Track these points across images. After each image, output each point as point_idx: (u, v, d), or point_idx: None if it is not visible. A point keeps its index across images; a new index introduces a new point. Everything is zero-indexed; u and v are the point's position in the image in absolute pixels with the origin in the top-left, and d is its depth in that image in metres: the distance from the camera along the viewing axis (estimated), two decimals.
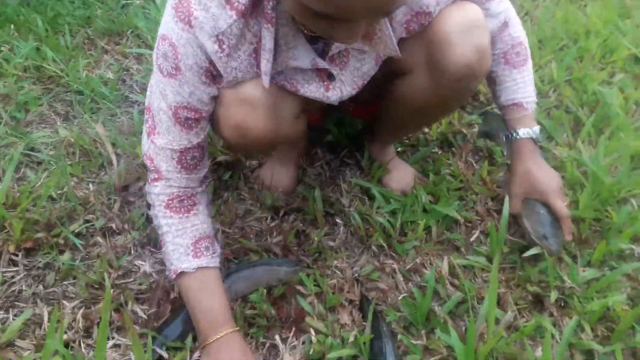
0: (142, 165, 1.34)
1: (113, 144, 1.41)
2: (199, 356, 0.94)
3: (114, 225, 1.21)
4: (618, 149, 1.31)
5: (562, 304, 1.04)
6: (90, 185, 1.30)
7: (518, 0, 2.06)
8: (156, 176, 0.92)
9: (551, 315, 1.02)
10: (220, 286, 0.94)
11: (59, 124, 1.53)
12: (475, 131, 1.45)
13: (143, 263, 1.12)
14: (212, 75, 0.83)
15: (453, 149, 1.40)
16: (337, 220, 1.21)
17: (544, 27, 1.82)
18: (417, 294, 1.04)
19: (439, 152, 1.40)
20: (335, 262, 1.12)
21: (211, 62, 0.81)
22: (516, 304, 1.04)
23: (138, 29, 1.89)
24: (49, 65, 1.69)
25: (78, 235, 1.19)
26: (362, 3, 0.57)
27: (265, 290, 1.05)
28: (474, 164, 1.37)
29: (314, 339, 0.97)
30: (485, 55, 0.90)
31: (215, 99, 0.88)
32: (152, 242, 1.18)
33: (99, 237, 1.18)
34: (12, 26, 1.87)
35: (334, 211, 1.23)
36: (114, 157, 1.37)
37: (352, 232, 1.20)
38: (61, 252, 1.15)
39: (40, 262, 1.13)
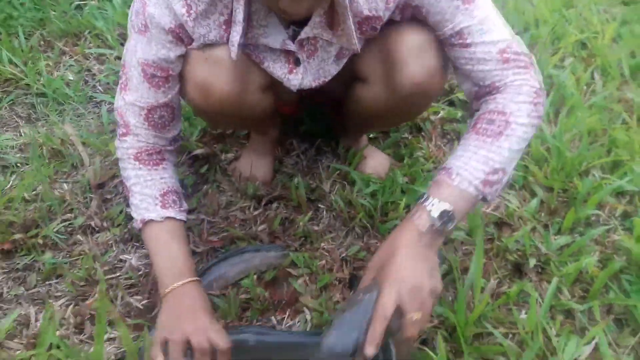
0: (116, 162, 1.32)
1: (83, 143, 1.38)
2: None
3: (92, 223, 1.19)
4: (576, 126, 1.40)
5: (540, 270, 1.11)
6: (65, 185, 1.27)
7: None
8: (125, 131, 0.94)
9: (531, 280, 1.08)
10: (185, 238, 0.96)
11: (22, 125, 1.49)
12: (440, 117, 1.50)
13: (129, 257, 1.11)
14: (180, 36, 0.85)
15: (422, 133, 1.46)
16: (320, 206, 1.24)
17: None
18: None
19: (410, 137, 1.45)
20: (323, 244, 1.14)
21: (180, 25, 0.83)
22: (497, 273, 1.10)
23: (96, 29, 1.85)
24: (4, 67, 1.63)
25: (57, 234, 1.16)
26: None
27: (255, 276, 1.06)
28: (443, 147, 1.42)
29: (309, 316, 0.99)
30: (436, 76, 0.91)
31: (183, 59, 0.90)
32: (134, 237, 1.17)
33: (79, 235, 1.16)
34: None
35: (315, 197, 1.25)
36: (85, 156, 1.34)
37: (334, 216, 1.22)
38: (41, 252, 1.11)
39: (19, 263, 1.10)
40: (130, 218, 1.16)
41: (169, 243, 0.93)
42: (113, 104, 1.39)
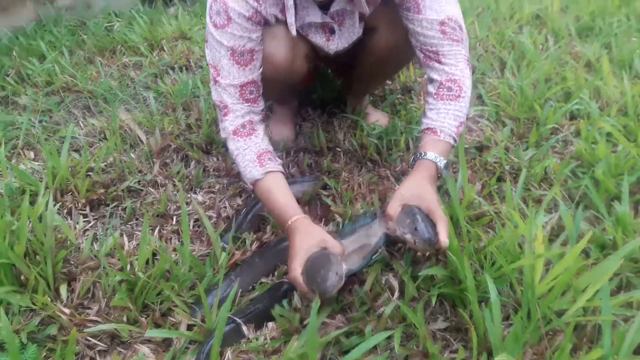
0: (168, 134, 1.63)
1: (138, 124, 1.69)
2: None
3: (158, 180, 1.49)
4: (534, 72, 1.73)
5: (514, 175, 1.42)
6: (132, 154, 1.57)
7: None
8: (225, 111, 1.18)
9: (507, 182, 1.39)
10: (284, 184, 1.15)
11: (81, 122, 1.79)
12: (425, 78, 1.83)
13: (195, 195, 1.41)
14: (257, 21, 1.15)
15: (412, 92, 1.78)
16: (337, 149, 1.55)
17: (462, 1, 2.27)
18: None
19: (403, 97, 1.77)
20: (344, 173, 1.44)
21: (255, 11, 1.13)
22: (480, 180, 1.40)
23: (127, 42, 2.18)
24: (59, 76, 1.95)
25: (130, 190, 1.46)
26: None
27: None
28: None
29: (339, 220, 1.29)
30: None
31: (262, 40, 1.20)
32: (193, 187, 1.46)
33: (150, 188, 1.46)
34: (14, 53, 2.11)
35: (333, 145, 1.57)
36: (141, 133, 1.65)
37: (350, 157, 1.53)
38: (120, 202, 1.41)
39: (105, 211, 1.39)
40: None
41: (272, 193, 1.13)
42: (155, 97, 1.71)
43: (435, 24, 1.16)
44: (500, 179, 1.41)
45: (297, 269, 1.01)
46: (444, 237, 1.01)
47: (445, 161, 1.14)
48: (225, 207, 1.39)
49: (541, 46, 1.94)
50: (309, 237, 1.05)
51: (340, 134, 1.60)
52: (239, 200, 1.41)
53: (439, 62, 1.18)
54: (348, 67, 1.55)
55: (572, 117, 1.58)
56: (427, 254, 1.11)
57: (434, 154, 1.13)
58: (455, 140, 1.16)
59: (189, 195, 1.42)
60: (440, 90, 1.17)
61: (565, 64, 1.81)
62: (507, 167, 1.40)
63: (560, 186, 1.34)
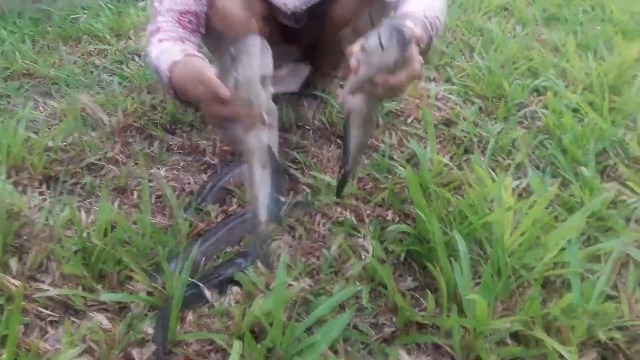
0: (131, 114, 1.58)
1: (101, 105, 1.63)
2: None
3: (119, 158, 1.44)
4: (502, 55, 1.74)
5: (483, 148, 1.41)
6: (93, 134, 1.52)
7: None
8: (155, 32, 1.11)
9: (475, 153, 1.38)
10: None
11: (40, 106, 1.73)
12: None
13: (158, 170, 1.36)
14: None
15: None
16: (306, 127, 1.52)
17: None
18: (378, 158, 1.36)
19: None
20: (313, 149, 1.42)
21: None
22: (449, 152, 1.39)
23: (93, 31, 2.13)
24: (19, 62, 1.89)
25: (90, 168, 1.40)
26: None
27: None
28: None
29: (308, 191, 1.26)
30: None
31: None
32: (156, 162, 1.42)
33: (111, 166, 1.40)
34: None
35: (302, 123, 1.54)
36: (103, 115, 1.60)
37: (319, 135, 1.51)
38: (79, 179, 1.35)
39: (64, 187, 1.33)
40: None
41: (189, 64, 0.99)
42: (119, 82, 1.67)
43: None
44: (468, 151, 1.40)
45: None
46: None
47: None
48: (189, 183, 1.34)
49: (509, 34, 1.97)
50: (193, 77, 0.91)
51: (310, 113, 1.57)
52: (204, 177, 1.37)
53: None
54: (315, 49, 1.54)
55: (539, 94, 1.59)
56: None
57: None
58: (431, 27, 0.99)
59: (151, 172, 1.37)
60: None
61: (532, 48, 1.83)
62: (475, 140, 1.40)
63: (528, 156, 1.34)
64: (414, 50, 0.84)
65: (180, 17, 1.13)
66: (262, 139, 0.88)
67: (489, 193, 1.04)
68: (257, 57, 0.80)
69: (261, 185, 0.94)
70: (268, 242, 1.02)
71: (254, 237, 1.01)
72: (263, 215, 0.95)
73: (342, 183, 1.11)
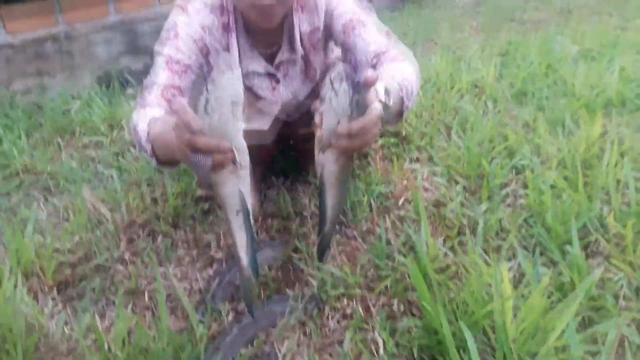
0: (133, 210, 1.63)
1: (102, 201, 1.69)
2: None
3: (126, 257, 1.48)
4: (479, 134, 1.87)
5: (472, 229, 1.50)
6: (98, 232, 1.56)
7: None
8: (142, 104, 1.16)
9: (465, 234, 1.47)
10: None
11: (42, 203, 1.77)
12: (380, 144, 1.94)
13: (165, 269, 1.41)
14: (200, 48, 1.23)
15: (369, 158, 1.88)
16: (304, 213, 1.60)
17: None
18: (376, 243, 1.43)
19: (360, 162, 1.86)
20: (312, 237, 1.49)
21: (201, 40, 1.22)
22: (441, 235, 1.48)
23: (86, 123, 2.21)
24: (16, 159, 1.94)
25: (98, 269, 1.44)
26: None
27: (266, 266, 1.39)
28: (385, 163, 1.85)
29: (315, 283, 1.32)
30: None
31: (200, 66, 1.24)
32: (162, 262, 1.46)
33: (118, 265, 1.45)
34: None
35: (298, 210, 1.62)
36: (106, 211, 1.65)
37: (317, 220, 1.58)
38: (88, 281, 1.39)
39: (73, 293, 1.37)
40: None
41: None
42: (121, 176, 1.74)
43: (382, 33, 1.27)
44: (460, 232, 1.49)
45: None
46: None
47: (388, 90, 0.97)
48: (197, 279, 1.39)
49: (482, 111, 2.11)
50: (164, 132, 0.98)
51: (306, 199, 1.66)
52: (210, 271, 1.42)
53: (387, 53, 1.22)
54: (305, 138, 1.63)
55: (517, 172, 1.71)
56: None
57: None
58: (400, 91, 1.07)
59: (160, 270, 1.41)
60: (382, 60, 1.19)
61: (505, 125, 1.97)
62: (464, 222, 1.49)
63: (515, 235, 1.44)
64: (370, 94, 0.88)
65: (164, 91, 1.19)
66: (233, 182, 0.90)
67: (486, 280, 1.12)
68: (228, 81, 0.80)
69: (237, 230, 0.98)
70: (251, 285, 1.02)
71: (242, 284, 1.04)
72: (244, 260, 1.01)
73: (322, 246, 1.18)
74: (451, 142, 1.87)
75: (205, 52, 1.26)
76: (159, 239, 1.55)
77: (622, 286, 1.21)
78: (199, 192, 1.69)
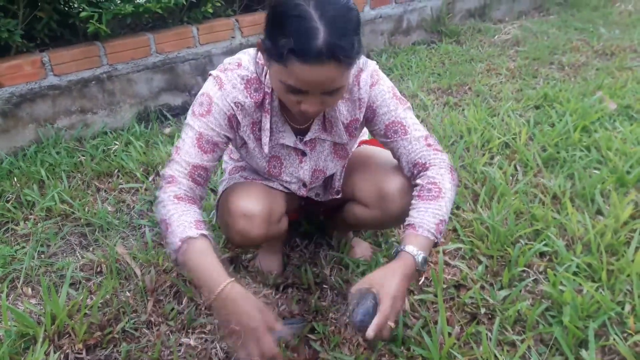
0: (163, 272, 1.71)
1: (134, 258, 1.77)
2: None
3: (152, 319, 1.55)
4: (505, 208, 1.87)
5: (490, 316, 1.51)
6: (127, 293, 1.64)
7: (414, 112, 2.72)
8: (170, 180, 1.23)
9: (484, 324, 1.48)
10: (216, 252, 1.18)
11: (78, 251, 1.87)
12: None
13: (187, 339, 1.47)
14: (231, 124, 1.27)
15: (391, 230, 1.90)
16: (324, 286, 1.64)
17: (437, 130, 2.47)
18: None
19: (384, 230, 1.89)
20: (330, 314, 1.53)
21: (233, 115, 1.26)
22: (459, 322, 1.49)
23: (124, 168, 2.30)
24: (57, 205, 2.04)
25: (125, 331, 1.51)
26: (315, 79, 1.03)
27: (284, 344, 1.43)
28: None
29: None
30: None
31: (229, 140, 1.31)
32: (185, 327, 1.53)
33: (144, 329, 1.52)
34: (14, 178, 2.21)
35: (320, 280, 1.66)
36: (137, 269, 1.73)
37: (337, 293, 1.62)
38: (117, 344, 1.46)
39: (101, 355, 1.44)
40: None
41: (205, 255, 1.15)
42: (152, 227, 1.82)
43: (422, 140, 1.31)
44: (475, 317, 1.51)
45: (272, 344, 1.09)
46: (371, 330, 1.09)
47: (423, 255, 1.19)
48: (216, 350, 1.45)
49: (511, 177, 2.11)
50: (253, 307, 1.13)
51: (327, 269, 1.69)
52: (230, 342, 1.47)
53: (425, 170, 1.30)
54: (333, 210, 1.68)
55: (542, 254, 1.71)
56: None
57: (411, 246, 1.19)
58: (435, 237, 1.22)
59: (181, 340, 1.47)
60: (422, 191, 1.27)
61: (534, 197, 1.96)
62: (482, 310, 1.50)
63: (532, 329, 1.44)
64: (380, 321, 1.10)
65: (192, 171, 1.25)
66: None
67: None
68: None
69: None
70: None
71: None
72: None
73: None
74: (476, 216, 1.87)
75: (236, 126, 1.30)
76: (184, 301, 1.61)
77: None
78: (225, 254, 1.75)
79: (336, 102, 1.14)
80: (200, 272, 1.15)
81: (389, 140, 1.34)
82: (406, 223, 1.26)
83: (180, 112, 2.96)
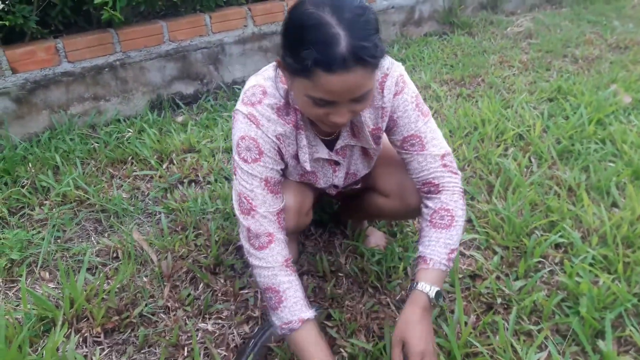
0: (178, 257, 1.72)
1: (150, 244, 1.77)
2: None
3: (169, 304, 1.56)
4: (520, 199, 1.87)
5: (506, 306, 1.52)
6: (144, 278, 1.65)
7: (427, 102, 2.71)
8: (270, 239, 1.21)
9: (500, 313, 1.49)
10: (321, 335, 1.21)
11: (93, 237, 1.88)
12: None
13: (204, 325, 1.48)
14: (281, 155, 1.26)
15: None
16: (339, 274, 1.64)
17: (451, 121, 2.46)
18: None
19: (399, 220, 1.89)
20: (346, 302, 1.53)
21: (278, 148, 1.24)
22: (475, 311, 1.50)
23: (138, 155, 2.31)
24: (72, 190, 2.05)
25: (142, 315, 1.52)
26: (343, 87, 0.99)
27: None
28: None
29: (345, 354, 1.37)
30: None
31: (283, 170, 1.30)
32: (201, 312, 1.54)
33: (161, 314, 1.53)
34: (29, 164, 2.22)
35: (335, 268, 1.66)
36: (153, 255, 1.74)
37: (352, 281, 1.63)
38: (135, 329, 1.47)
39: (119, 339, 1.45)
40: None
41: (319, 344, 1.17)
42: (167, 214, 1.82)
43: (438, 158, 1.27)
44: (491, 307, 1.51)
45: None
46: None
47: (437, 289, 1.17)
48: (233, 335, 1.46)
49: (526, 169, 2.10)
50: None
51: (342, 257, 1.70)
52: (247, 328, 1.48)
53: (438, 192, 1.28)
54: (349, 198, 1.68)
55: (557, 245, 1.71)
56: None
57: (424, 284, 1.17)
58: (447, 266, 1.21)
59: (198, 325, 1.48)
60: (434, 218, 1.25)
61: (549, 189, 1.96)
62: (498, 300, 1.50)
63: (548, 320, 1.44)
64: None
65: (279, 218, 1.24)
66: None
67: None
68: None
69: None
70: None
71: None
72: None
73: None
74: (491, 206, 1.87)
75: (282, 155, 1.28)
76: (200, 287, 1.63)
77: None
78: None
79: (365, 107, 1.11)
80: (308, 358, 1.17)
81: (404, 152, 1.31)
82: (417, 254, 1.25)
83: (192, 100, 2.96)
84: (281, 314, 1.18)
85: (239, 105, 1.22)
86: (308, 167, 1.28)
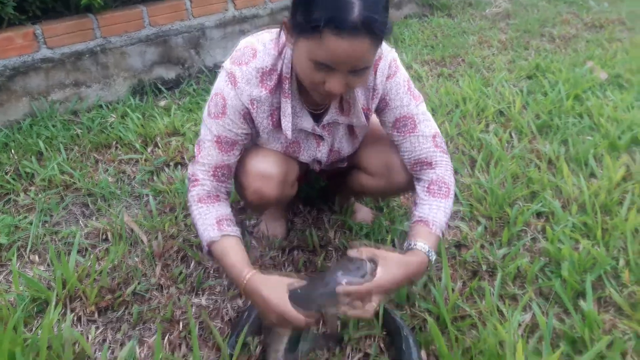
0: (169, 237, 1.73)
1: (139, 225, 1.78)
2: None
3: (161, 282, 1.58)
4: (502, 172, 1.92)
5: (490, 273, 1.56)
6: (136, 258, 1.66)
7: None
8: (195, 183, 1.31)
9: (485, 279, 1.54)
10: (239, 246, 1.26)
11: (81, 220, 1.88)
12: None
13: (197, 300, 1.50)
14: (247, 120, 1.28)
15: None
16: (329, 248, 1.67)
17: (433, 100, 2.50)
18: None
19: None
20: None
21: (247, 112, 1.26)
22: (461, 278, 1.54)
23: (122, 139, 2.30)
24: (57, 175, 2.04)
25: (135, 294, 1.54)
26: (348, 52, 1.02)
27: None
28: (409, 198, 1.91)
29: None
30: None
31: (247, 135, 1.31)
32: (194, 289, 1.56)
33: (154, 292, 1.54)
34: (11, 151, 2.20)
35: (324, 243, 1.69)
36: (143, 235, 1.75)
37: (341, 255, 1.66)
38: (129, 306, 1.49)
39: (113, 317, 1.47)
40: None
41: (228, 253, 1.23)
42: (155, 196, 1.83)
43: (430, 139, 1.32)
44: (477, 274, 1.56)
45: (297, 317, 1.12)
46: (351, 288, 1.11)
47: (435, 256, 1.22)
48: (227, 309, 1.48)
49: (507, 144, 2.15)
50: (274, 286, 1.17)
51: (331, 232, 1.73)
52: (240, 302, 1.51)
53: (431, 168, 1.32)
54: (336, 175, 1.70)
55: (539, 214, 1.76)
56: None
57: (425, 245, 1.20)
58: (442, 234, 1.27)
59: (192, 301, 1.50)
60: (432, 187, 1.30)
61: (530, 162, 2.01)
62: (484, 267, 1.55)
63: (532, 284, 1.50)
64: (368, 287, 1.11)
65: (215, 171, 1.31)
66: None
67: (501, 335, 1.19)
68: None
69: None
70: None
71: None
72: None
73: None
74: (474, 179, 1.91)
75: (251, 120, 1.30)
76: (192, 265, 1.64)
77: (630, 346, 1.27)
78: None
79: (360, 83, 1.13)
80: (227, 272, 1.26)
81: (396, 133, 1.34)
82: (417, 217, 1.27)
83: (174, 85, 2.95)
84: (200, 239, 1.29)
85: (226, 62, 1.26)
86: (289, 135, 1.30)
